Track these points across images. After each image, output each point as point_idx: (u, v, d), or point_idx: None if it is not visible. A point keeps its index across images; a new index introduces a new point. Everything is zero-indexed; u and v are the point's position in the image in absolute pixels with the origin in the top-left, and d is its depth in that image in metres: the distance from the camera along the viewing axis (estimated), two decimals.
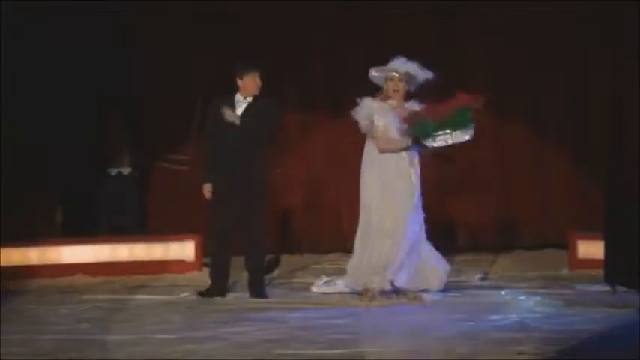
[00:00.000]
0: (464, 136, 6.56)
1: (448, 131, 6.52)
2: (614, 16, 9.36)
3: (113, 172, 9.66)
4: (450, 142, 6.59)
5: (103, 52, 9.50)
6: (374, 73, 6.86)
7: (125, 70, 9.69)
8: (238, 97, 7.07)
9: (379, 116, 6.74)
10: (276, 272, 8.61)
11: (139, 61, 9.78)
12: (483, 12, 9.78)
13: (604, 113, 9.86)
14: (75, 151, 9.50)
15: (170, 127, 9.90)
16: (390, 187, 6.69)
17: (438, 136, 6.55)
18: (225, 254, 7.18)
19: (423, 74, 6.78)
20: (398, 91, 6.77)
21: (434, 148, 6.66)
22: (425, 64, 6.84)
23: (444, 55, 9.89)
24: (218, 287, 7.18)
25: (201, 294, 7.15)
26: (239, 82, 7.05)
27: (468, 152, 10.04)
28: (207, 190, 7.12)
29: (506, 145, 10.19)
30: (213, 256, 7.30)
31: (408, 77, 6.77)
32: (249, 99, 7.04)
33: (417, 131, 6.63)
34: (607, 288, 7.00)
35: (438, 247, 9.45)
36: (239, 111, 7.02)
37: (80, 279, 8.29)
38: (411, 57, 6.84)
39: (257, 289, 7.10)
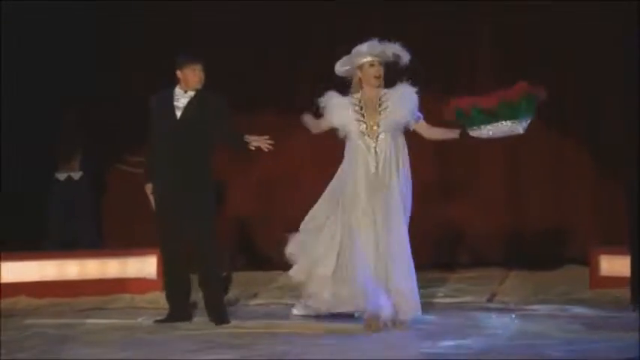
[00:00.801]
0: (517, 127, 6.58)
1: (501, 122, 6.54)
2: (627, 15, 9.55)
3: (62, 176, 9.65)
4: (498, 134, 6.61)
5: (53, 49, 9.61)
6: (343, 66, 6.89)
7: (76, 68, 9.79)
8: (178, 90, 7.13)
9: (336, 112, 6.80)
10: (252, 292, 8.62)
11: (93, 59, 9.98)
12: (494, 10, 9.98)
13: (628, 112, 9.93)
14: (17, 152, 9.48)
15: (126, 127, 9.93)
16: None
17: (487, 126, 6.58)
18: (181, 270, 7.16)
19: (406, 55, 6.80)
20: (380, 77, 6.80)
21: (479, 136, 6.69)
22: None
23: (452, 51, 10.05)
24: (179, 310, 7.17)
25: (161, 321, 7.13)
26: (179, 74, 7.12)
27: (473, 152, 10.17)
28: (149, 190, 7.17)
29: (518, 145, 10.22)
30: (168, 274, 7.26)
31: (390, 60, 6.80)
32: (191, 93, 7.09)
33: (462, 119, 6.64)
34: (634, 310, 7.03)
35: (438, 263, 9.60)
36: (179, 105, 7.08)
37: (23, 301, 8.25)
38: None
39: (216, 312, 7.09)
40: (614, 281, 8.01)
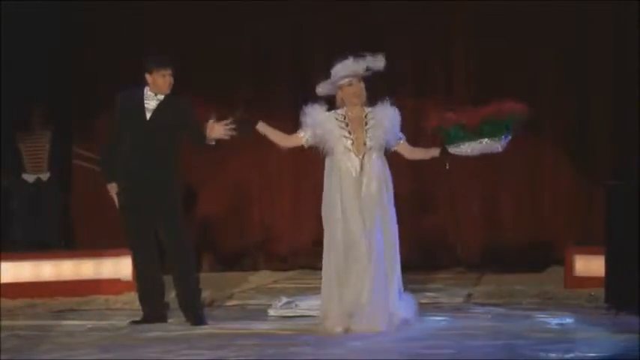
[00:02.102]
0: (496, 145, 6.63)
1: (480, 140, 6.60)
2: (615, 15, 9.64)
3: (30, 178, 9.61)
4: (477, 152, 6.66)
5: (21, 48, 9.60)
6: (324, 89, 6.85)
7: (44, 67, 9.80)
8: (148, 92, 7.10)
9: (320, 127, 6.78)
10: (228, 293, 8.63)
11: (61, 57, 10.03)
12: (469, 8, 10.08)
13: (606, 113, 10.03)
14: None
15: (95, 125, 9.95)
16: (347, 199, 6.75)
17: (466, 143, 6.63)
18: (153, 270, 7.16)
19: (378, 64, 6.77)
20: (359, 95, 6.77)
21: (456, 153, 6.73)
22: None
23: (429, 48, 10.12)
24: (153, 311, 7.17)
25: (136, 323, 7.13)
26: (147, 77, 7.09)
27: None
28: (112, 190, 7.15)
29: None
30: (139, 275, 7.25)
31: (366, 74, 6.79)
32: (160, 97, 7.08)
33: (442, 134, 6.69)
34: (608, 310, 7.11)
35: (415, 264, 9.65)
36: (149, 107, 7.08)
37: None
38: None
39: (192, 313, 7.09)
40: (589, 281, 8.08)
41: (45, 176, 9.65)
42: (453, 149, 6.68)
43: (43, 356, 6.02)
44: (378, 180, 6.72)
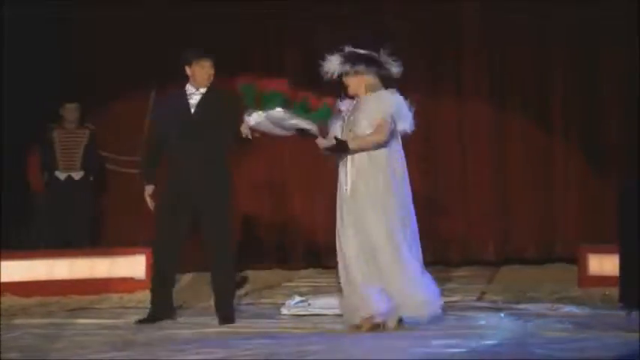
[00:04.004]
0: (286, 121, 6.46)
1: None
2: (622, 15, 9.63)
3: (62, 175, 9.61)
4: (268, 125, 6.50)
5: (45, 49, 9.68)
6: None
7: (72, 66, 9.85)
8: (189, 87, 7.05)
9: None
10: (242, 291, 8.63)
11: (84, 58, 10.08)
12: (482, 5, 10.12)
13: (619, 108, 9.98)
14: (13, 149, 9.50)
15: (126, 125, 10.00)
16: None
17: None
18: (171, 266, 7.14)
19: (347, 68, 6.62)
20: (349, 86, 6.68)
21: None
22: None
23: (443, 40, 10.09)
24: (161, 307, 7.15)
25: (143, 321, 7.09)
26: (187, 70, 7.04)
27: (462, 151, 10.19)
28: (148, 191, 7.10)
29: (507, 143, 10.28)
30: (157, 270, 7.20)
31: (351, 71, 6.64)
32: (203, 90, 7.02)
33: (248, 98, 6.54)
34: (623, 309, 7.06)
35: (427, 262, 9.61)
36: (192, 103, 7.01)
37: (9, 300, 8.24)
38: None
39: (223, 314, 7.05)
40: (603, 280, 8.04)
41: (77, 175, 9.64)
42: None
43: (57, 354, 6.02)
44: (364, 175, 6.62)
